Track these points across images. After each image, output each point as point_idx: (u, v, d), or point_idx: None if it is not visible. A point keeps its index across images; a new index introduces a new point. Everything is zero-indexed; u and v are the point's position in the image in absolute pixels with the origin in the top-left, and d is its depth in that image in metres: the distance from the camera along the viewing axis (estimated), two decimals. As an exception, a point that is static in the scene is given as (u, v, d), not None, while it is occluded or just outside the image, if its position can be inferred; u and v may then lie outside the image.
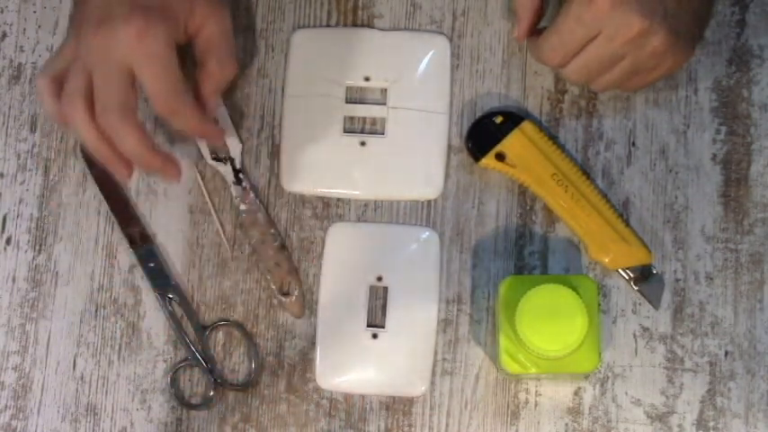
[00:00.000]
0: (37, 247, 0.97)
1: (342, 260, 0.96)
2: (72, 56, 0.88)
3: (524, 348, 0.86)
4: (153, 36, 0.86)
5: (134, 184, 0.98)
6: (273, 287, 0.96)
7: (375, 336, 0.94)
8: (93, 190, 0.98)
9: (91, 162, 0.98)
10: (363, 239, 0.96)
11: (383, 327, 0.95)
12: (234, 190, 0.97)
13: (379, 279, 0.95)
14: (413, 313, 0.94)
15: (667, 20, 0.87)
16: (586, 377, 0.93)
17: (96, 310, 0.96)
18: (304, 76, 0.98)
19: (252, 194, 0.97)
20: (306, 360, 0.95)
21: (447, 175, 0.97)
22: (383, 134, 0.98)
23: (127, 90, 0.87)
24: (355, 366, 0.93)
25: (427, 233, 0.96)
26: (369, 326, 0.95)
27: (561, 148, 0.96)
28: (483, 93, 0.98)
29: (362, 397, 0.94)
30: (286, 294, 0.96)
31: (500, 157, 0.94)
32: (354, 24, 0.99)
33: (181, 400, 0.95)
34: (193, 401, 0.95)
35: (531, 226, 0.96)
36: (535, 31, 0.93)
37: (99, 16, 0.87)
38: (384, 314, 0.95)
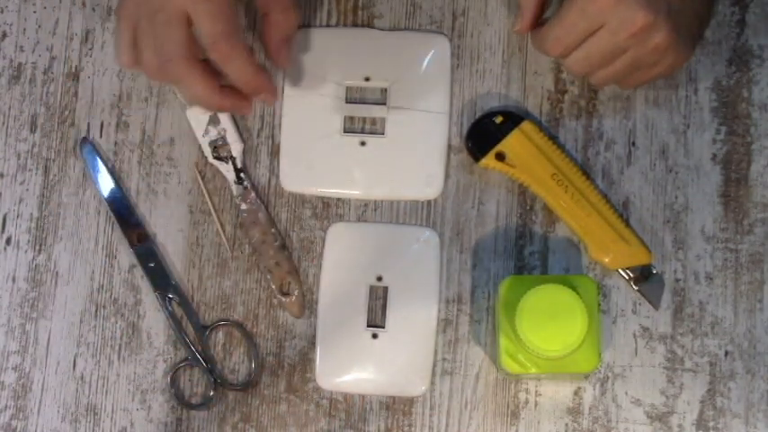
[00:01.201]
0: (37, 247, 0.97)
1: (342, 260, 0.96)
2: (135, 17, 0.88)
3: (524, 348, 0.86)
4: None
5: (134, 184, 0.98)
6: (273, 287, 0.96)
7: (375, 336, 0.95)
8: (93, 190, 0.98)
9: (92, 163, 0.98)
10: (363, 239, 0.96)
11: (383, 327, 0.95)
12: (235, 189, 0.97)
13: (379, 279, 0.95)
14: (413, 313, 0.94)
15: (671, 16, 0.87)
16: (586, 377, 0.93)
17: (96, 310, 0.96)
18: (304, 75, 0.98)
19: (253, 194, 0.97)
20: (306, 360, 0.95)
21: (447, 175, 0.97)
22: (383, 134, 0.98)
23: (184, 33, 0.87)
24: (355, 366, 0.93)
25: (427, 233, 0.96)
26: (369, 326, 0.95)
27: (561, 148, 0.96)
28: (483, 93, 0.98)
29: (362, 397, 0.94)
30: (286, 294, 0.96)
31: (500, 156, 0.94)
32: (354, 24, 0.99)
33: (181, 400, 0.95)
34: (193, 401, 0.95)
35: (531, 226, 0.96)
36: (538, 22, 0.93)
37: None
38: (384, 314, 0.95)
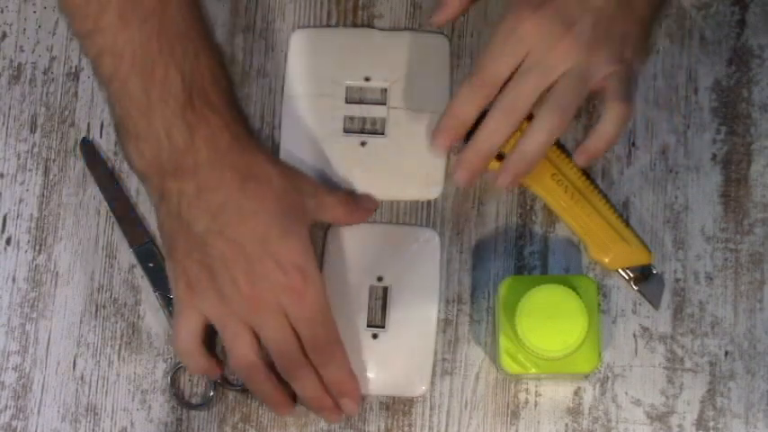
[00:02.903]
0: (37, 247, 0.97)
1: (342, 260, 0.96)
2: (216, 314, 0.89)
3: (524, 348, 0.86)
4: (312, 292, 0.88)
5: (134, 184, 0.98)
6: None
7: (375, 336, 0.94)
8: (93, 190, 0.98)
9: (92, 163, 0.98)
10: (363, 239, 0.96)
11: (383, 327, 0.95)
12: (234, 190, 0.97)
13: (380, 279, 0.95)
14: (413, 313, 0.94)
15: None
16: (586, 377, 0.93)
17: (96, 310, 0.96)
18: (304, 75, 0.98)
19: (252, 194, 0.97)
20: (306, 360, 0.95)
21: (447, 175, 0.97)
22: (383, 134, 0.98)
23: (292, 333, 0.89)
24: (355, 366, 0.93)
25: (427, 233, 0.96)
26: (369, 326, 0.95)
27: (561, 148, 0.96)
28: (483, 93, 0.98)
29: (362, 397, 0.94)
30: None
31: (500, 157, 0.94)
32: (354, 24, 0.99)
33: (181, 400, 0.95)
34: (193, 401, 0.95)
35: (531, 226, 0.96)
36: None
37: (246, 274, 0.87)
38: (384, 314, 0.95)
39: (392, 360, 0.94)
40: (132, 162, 0.87)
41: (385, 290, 0.95)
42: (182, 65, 0.84)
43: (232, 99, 0.88)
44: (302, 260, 0.87)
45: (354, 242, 0.96)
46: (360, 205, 0.94)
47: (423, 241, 0.96)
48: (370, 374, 0.94)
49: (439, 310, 0.95)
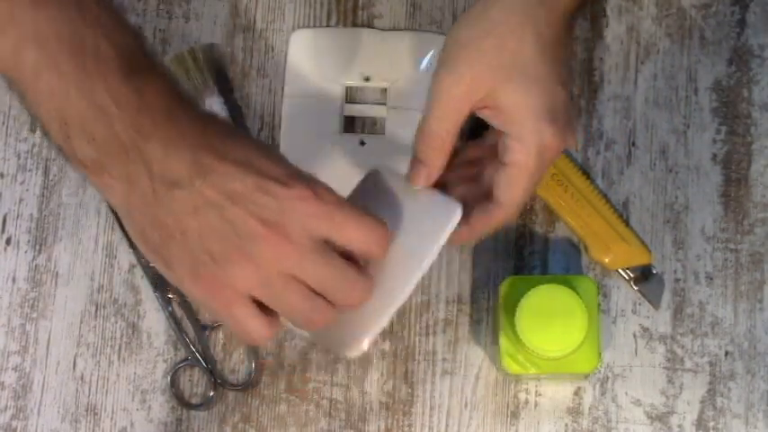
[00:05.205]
0: (37, 247, 0.97)
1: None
2: (254, 284, 0.76)
3: (524, 349, 0.86)
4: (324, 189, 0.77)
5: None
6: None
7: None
8: (93, 190, 0.98)
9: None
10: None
11: None
12: (234, 190, 0.97)
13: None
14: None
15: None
16: (586, 377, 0.93)
17: (96, 310, 0.96)
18: (303, 76, 0.98)
19: (252, 194, 0.97)
20: (306, 360, 0.95)
21: (447, 175, 0.97)
22: (383, 134, 0.98)
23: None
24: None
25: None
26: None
27: (561, 148, 0.96)
28: (483, 93, 0.98)
29: (362, 396, 0.94)
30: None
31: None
32: (354, 24, 0.99)
33: (181, 400, 0.95)
34: (193, 401, 0.95)
35: (531, 226, 0.96)
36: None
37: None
38: None
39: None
40: (83, 155, 0.76)
41: None
42: (109, 33, 0.76)
43: (161, 63, 0.81)
44: (290, 166, 0.78)
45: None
46: None
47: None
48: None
49: (439, 310, 0.94)
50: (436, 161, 0.83)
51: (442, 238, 0.80)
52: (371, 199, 0.82)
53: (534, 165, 0.82)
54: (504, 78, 0.81)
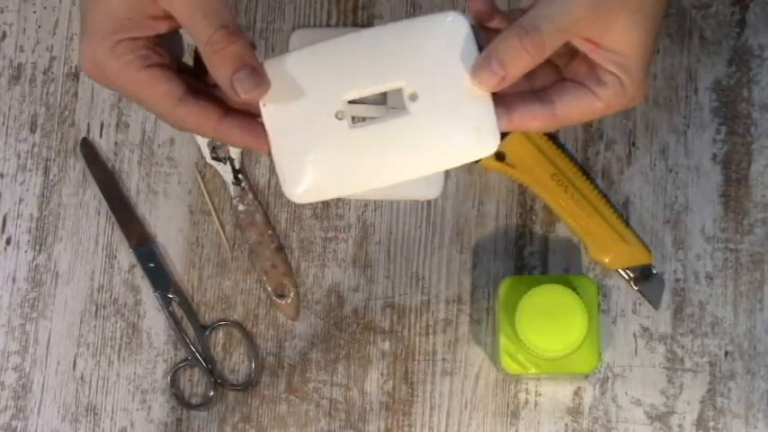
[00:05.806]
0: (37, 247, 0.97)
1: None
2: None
3: (524, 348, 0.86)
4: None
5: (134, 185, 0.98)
6: (269, 289, 0.96)
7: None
8: (93, 190, 0.98)
9: (92, 163, 0.98)
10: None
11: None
12: (233, 190, 0.97)
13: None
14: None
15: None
16: (586, 377, 0.93)
17: (96, 310, 0.96)
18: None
19: (250, 195, 0.97)
20: (306, 360, 0.95)
21: (447, 176, 0.97)
22: (383, 134, 0.97)
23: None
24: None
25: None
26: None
27: (561, 148, 0.96)
28: (483, 93, 0.98)
29: (362, 396, 0.94)
30: (282, 296, 0.96)
31: (500, 157, 0.94)
32: (354, 24, 0.99)
33: (181, 400, 0.95)
34: (193, 401, 0.95)
35: (531, 226, 0.96)
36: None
37: None
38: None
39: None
40: None
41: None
42: None
43: None
44: None
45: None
46: None
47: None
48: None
49: (439, 310, 0.95)
50: (519, 67, 0.73)
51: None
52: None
53: (611, 108, 0.76)
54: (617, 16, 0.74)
